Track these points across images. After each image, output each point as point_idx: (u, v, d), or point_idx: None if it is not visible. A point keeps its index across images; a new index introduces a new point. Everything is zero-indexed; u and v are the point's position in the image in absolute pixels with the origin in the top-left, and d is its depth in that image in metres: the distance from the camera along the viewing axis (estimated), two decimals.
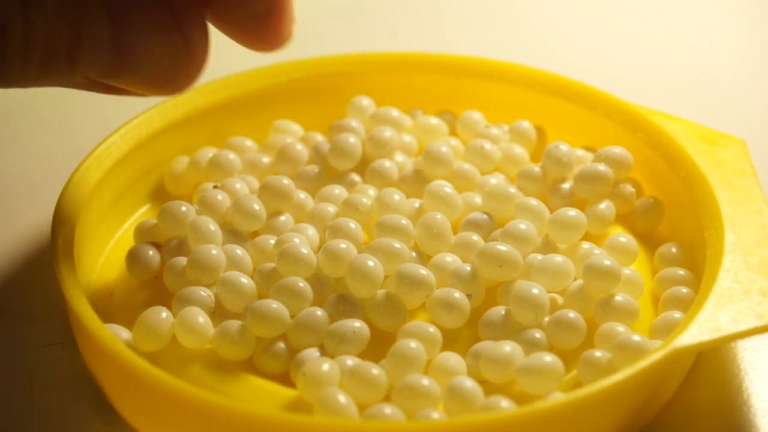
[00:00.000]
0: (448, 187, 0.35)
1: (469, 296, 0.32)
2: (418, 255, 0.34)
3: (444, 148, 0.37)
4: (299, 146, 0.38)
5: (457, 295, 0.32)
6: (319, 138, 0.39)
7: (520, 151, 0.38)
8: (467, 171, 0.37)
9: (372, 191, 0.36)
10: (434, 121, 0.39)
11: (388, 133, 0.38)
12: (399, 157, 0.38)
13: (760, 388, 0.32)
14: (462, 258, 0.34)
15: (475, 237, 0.34)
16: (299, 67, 0.40)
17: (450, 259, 0.33)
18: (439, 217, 0.34)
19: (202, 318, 0.32)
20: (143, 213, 0.38)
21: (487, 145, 0.38)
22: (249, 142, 0.39)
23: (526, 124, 0.39)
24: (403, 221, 0.34)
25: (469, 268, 0.33)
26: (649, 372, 0.29)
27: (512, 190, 0.35)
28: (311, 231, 0.35)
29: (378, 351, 0.31)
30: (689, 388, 0.32)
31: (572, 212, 0.34)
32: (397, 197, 0.35)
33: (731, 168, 0.35)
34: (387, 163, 0.37)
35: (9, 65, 0.27)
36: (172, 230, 0.35)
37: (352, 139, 0.37)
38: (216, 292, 0.33)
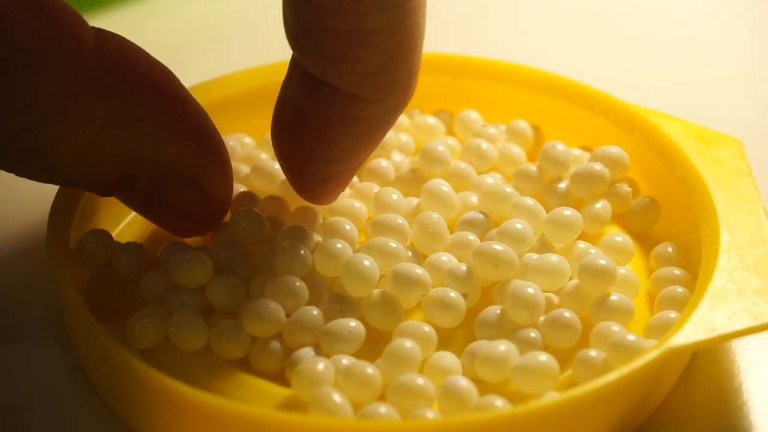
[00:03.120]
0: (445, 186, 0.35)
1: (464, 295, 0.32)
2: (414, 255, 0.34)
3: (441, 148, 0.37)
4: None
5: (452, 294, 0.32)
6: None
7: (516, 150, 0.38)
8: (464, 170, 0.37)
9: (370, 190, 0.36)
10: (431, 120, 0.39)
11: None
12: (396, 157, 0.38)
13: (760, 388, 0.32)
14: (458, 257, 0.34)
15: (471, 236, 0.34)
16: None
17: (446, 258, 0.33)
18: (434, 216, 0.34)
19: (196, 321, 0.32)
20: None
21: (484, 145, 0.38)
22: (248, 139, 0.39)
23: (522, 124, 0.39)
24: (399, 221, 0.34)
25: (464, 268, 0.33)
26: (643, 371, 0.29)
27: (508, 189, 0.35)
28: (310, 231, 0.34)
29: (373, 350, 0.31)
30: (685, 388, 0.32)
31: (568, 212, 0.34)
32: (395, 197, 0.35)
33: (727, 168, 0.35)
34: (384, 163, 0.37)
35: (54, 180, 0.32)
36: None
37: None
38: (207, 295, 0.33)
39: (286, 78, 0.33)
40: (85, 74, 0.30)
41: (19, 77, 0.29)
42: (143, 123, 0.31)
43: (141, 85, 0.31)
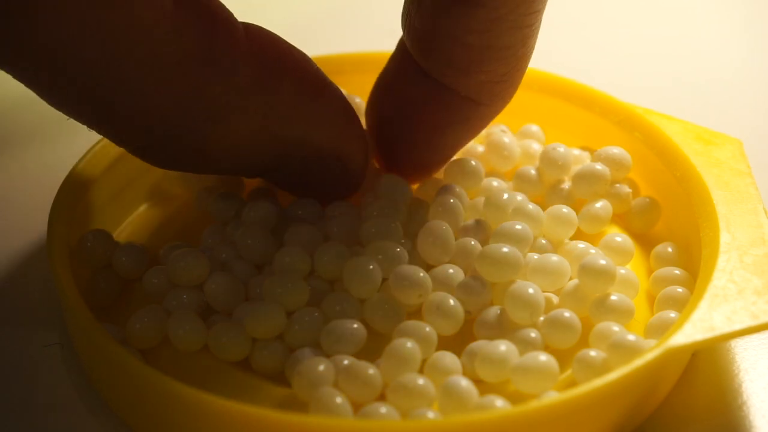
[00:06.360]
0: (452, 198, 0.35)
1: (467, 313, 0.32)
2: (413, 258, 0.34)
3: (473, 162, 0.36)
4: None
5: (452, 302, 0.32)
6: None
7: (537, 147, 0.38)
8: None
9: None
10: None
11: None
12: None
13: (760, 388, 0.32)
14: (461, 265, 0.33)
15: (473, 242, 0.34)
16: None
17: (452, 270, 0.33)
18: (443, 227, 0.34)
19: (195, 322, 0.32)
20: (140, 212, 0.38)
21: (506, 138, 0.38)
22: None
23: (534, 128, 0.39)
24: (391, 224, 0.34)
25: (477, 282, 0.33)
26: (643, 371, 0.29)
27: (506, 196, 0.35)
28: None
29: (373, 350, 0.31)
30: (685, 388, 0.32)
31: (565, 209, 0.34)
32: (396, 204, 0.35)
33: (727, 168, 0.35)
34: None
35: (207, 171, 0.33)
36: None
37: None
38: (205, 293, 0.33)
39: (393, 68, 0.35)
40: (245, 72, 0.31)
41: (185, 81, 0.30)
42: (296, 110, 0.32)
43: (290, 73, 0.32)
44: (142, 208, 0.38)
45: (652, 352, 0.29)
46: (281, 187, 0.35)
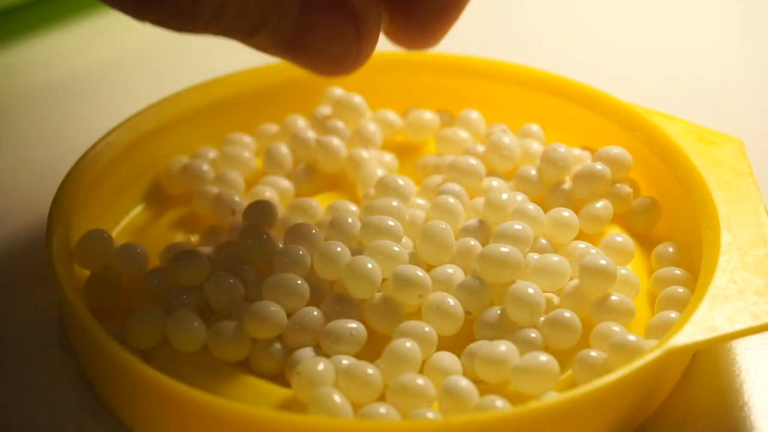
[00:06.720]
0: (452, 198, 0.35)
1: (468, 313, 0.32)
2: (414, 259, 0.34)
3: (473, 161, 0.36)
4: (284, 149, 0.38)
5: (451, 302, 0.32)
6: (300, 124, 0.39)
7: (537, 147, 0.38)
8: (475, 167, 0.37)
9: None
10: (429, 115, 0.39)
11: (372, 127, 0.38)
12: (387, 157, 0.38)
13: (761, 389, 0.32)
14: (461, 265, 0.33)
15: (473, 242, 0.34)
16: (297, 67, 0.40)
17: (451, 270, 0.33)
18: (443, 226, 0.34)
19: (194, 322, 0.32)
20: (140, 212, 0.38)
21: (507, 138, 0.38)
22: (247, 139, 0.39)
23: (534, 128, 0.39)
24: (391, 222, 0.34)
25: (476, 283, 0.33)
26: (643, 372, 0.29)
27: (505, 196, 0.35)
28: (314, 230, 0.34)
29: (373, 350, 0.31)
30: (685, 388, 0.32)
31: (566, 213, 0.34)
32: (395, 203, 0.35)
33: (728, 168, 0.35)
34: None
35: (196, 18, 0.29)
36: None
37: (336, 142, 0.38)
38: (205, 293, 0.33)
39: None
40: None
41: None
42: None
43: None
44: (142, 208, 0.38)
45: (652, 352, 0.29)
46: (284, 51, 0.31)
